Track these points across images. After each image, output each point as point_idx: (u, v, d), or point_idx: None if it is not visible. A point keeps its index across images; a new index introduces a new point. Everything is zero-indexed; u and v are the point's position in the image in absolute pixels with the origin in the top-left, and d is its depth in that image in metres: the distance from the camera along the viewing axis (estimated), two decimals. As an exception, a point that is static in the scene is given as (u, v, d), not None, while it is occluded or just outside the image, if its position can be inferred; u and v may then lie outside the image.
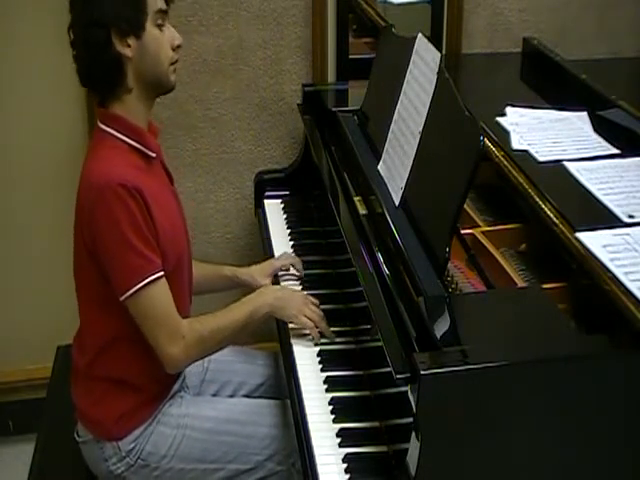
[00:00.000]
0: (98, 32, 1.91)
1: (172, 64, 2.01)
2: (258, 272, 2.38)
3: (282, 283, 2.37)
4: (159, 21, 1.97)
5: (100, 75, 1.98)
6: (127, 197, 1.89)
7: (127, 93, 1.98)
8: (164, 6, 1.98)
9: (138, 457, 2.07)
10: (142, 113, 2.02)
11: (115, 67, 1.95)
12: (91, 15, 1.91)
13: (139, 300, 1.93)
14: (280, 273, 2.40)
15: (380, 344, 1.77)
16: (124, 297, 1.93)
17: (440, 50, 2.10)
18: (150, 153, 2.02)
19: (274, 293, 2.16)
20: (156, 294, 1.94)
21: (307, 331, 2.13)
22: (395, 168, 2.13)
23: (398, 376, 1.63)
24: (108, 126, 1.99)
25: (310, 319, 2.12)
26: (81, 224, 1.97)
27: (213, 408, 2.19)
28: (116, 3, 1.91)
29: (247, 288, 2.34)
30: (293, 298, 2.15)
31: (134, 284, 1.92)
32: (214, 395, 2.33)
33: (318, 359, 2.09)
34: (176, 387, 2.17)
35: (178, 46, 2.02)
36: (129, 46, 1.94)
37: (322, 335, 2.13)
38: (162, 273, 1.95)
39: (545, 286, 1.84)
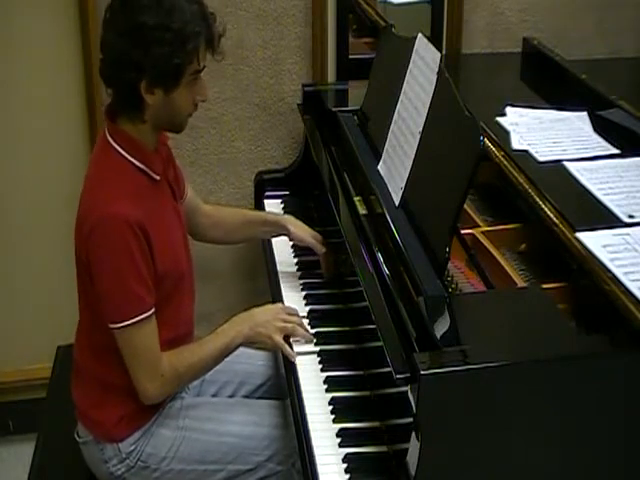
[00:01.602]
0: (130, 72, 1.86)
1: (189, 115, 2.00)
2: (300, 227, 2.40)
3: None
4: (193, 77, 1.92)
5: (118, 101, 1.96)
6: (129, 233, 1.88)
7: (140, 123, 1.96)
8: (203, 65, 1.93)
9: (138, 459, 2.07)
10: (151, 140, 2.00)
11: (134, 103, 1.92)
12: (131, 55, 1.84)
13: (123, 335, 1.94)
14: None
15: (380, 344, 1.77)
16: (110, 327, 1.94)
17: (440, 50, 2.10)
18: (155, 176, 2.00)
19: (248, 323, 2.11)
20: (141, 333, 1.95)
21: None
22: (395, 168, 2.13)
23: (398, 376, 1.63)
24: (115, 142, 1.96)
25: (285, 332, 2.10)
26: (79, 240, 1.96)
27: (213, 409, 2.19)
28: (160, 55, 1.84)
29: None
30: (266, 321, 2.11)
31: (121, 320, 1.92)
32: (214, 395, 2.33)
33: (318, 359, 2.09)
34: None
35: (202, 100, 1.99)
36: (154, 94, 1.89)
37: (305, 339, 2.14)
38: (151, 312, 1.95)
39: (545, 286, 1.84)
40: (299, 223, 2.43)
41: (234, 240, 2.54)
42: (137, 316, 1.93)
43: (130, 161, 1.96)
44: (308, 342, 2.13)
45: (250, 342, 2.13)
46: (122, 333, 1.94)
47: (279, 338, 2.10)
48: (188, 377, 2.09)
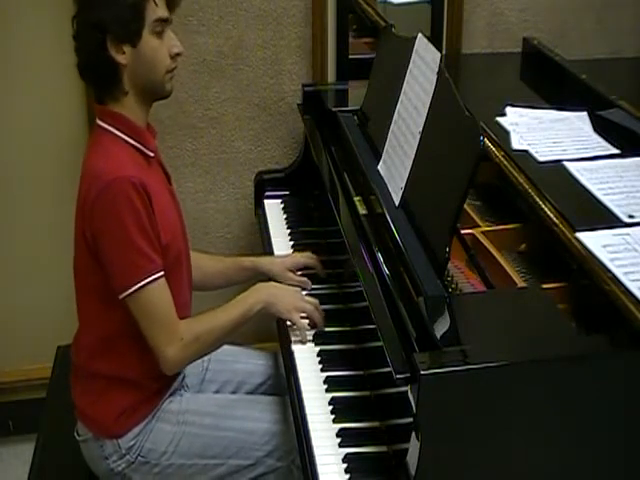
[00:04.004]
0: (95, 35, 1.91)
1: (169, 72, 2.00)
2: (278, 265, 2.37)
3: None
4: (158, 29, 1.95)
5: (95, 76, 1.99)
6: (134, 194, 1.89)
7: (123, 95, 1.98)
8: (165, 14, 1.96)
9: (138, 454, 2.08)
10: (140, 114, 2.02)
11: (109, 71, 1.95)
12: (90, 17, 1.91)
13: (138, 299, 1.94)
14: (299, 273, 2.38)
15: (380, 344, 1.77)
16: (123, 295, 1.94)
17: (440, 50, 2.10)
18: (148, 152, 2.03)
19: (268, 290, 2.16)
20: (156, 294, 1.95)
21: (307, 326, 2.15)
22: (395, 168, 2.13)
23: (398, 376, 1.63)
24: (107, 123, 1.99)
25: (303, 310, 2.14)
26: (82, 218, 1.97)
27: (213, 404, 2.19)
28: (116, 8, 1.89)
29: (265, 277, 2.37)
30: (286, 295, 2.16)
31: (134, 283, 1.92)
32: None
33: (318, 359, 2.09)
34: (176, 385, 2.17)
35: (177, 54, 2.00)
36: (124, 53, 1.93)
37: (316, 326, 2.16)
38: (162, 273, 1.96)
39: (545, 286, 1.84)
40: (277, 261, 2.39)
41: (211, 286, 2.41)
42: (150, 275, 1.93)
43: (122, 139, 1.98)
44: (320, 328, 2.15)
45: (268, 310, 2.12)
46: (135, 297, 1.93)
47: (296, 315, 2.12)
48: (208, 343, 2.07)
